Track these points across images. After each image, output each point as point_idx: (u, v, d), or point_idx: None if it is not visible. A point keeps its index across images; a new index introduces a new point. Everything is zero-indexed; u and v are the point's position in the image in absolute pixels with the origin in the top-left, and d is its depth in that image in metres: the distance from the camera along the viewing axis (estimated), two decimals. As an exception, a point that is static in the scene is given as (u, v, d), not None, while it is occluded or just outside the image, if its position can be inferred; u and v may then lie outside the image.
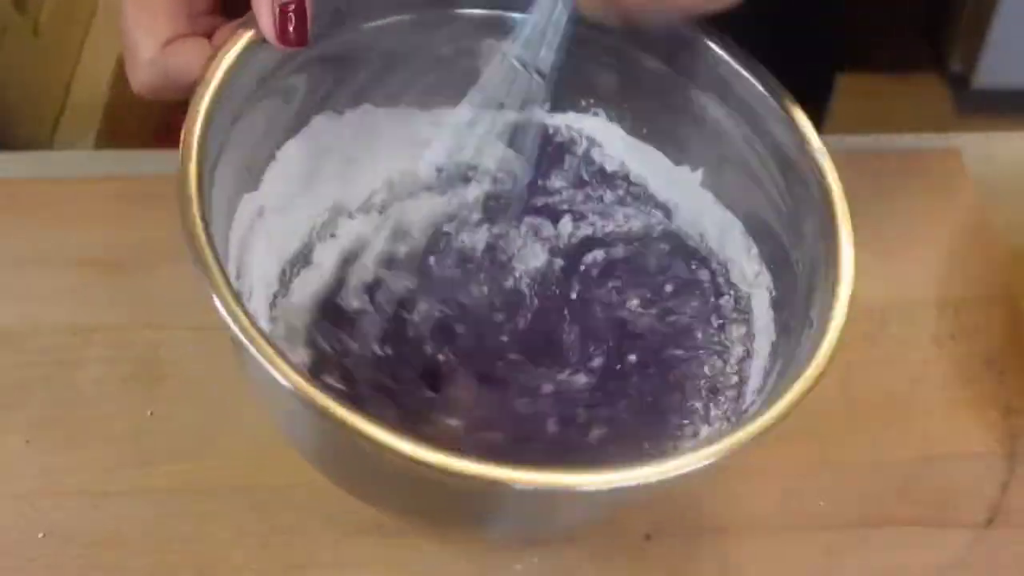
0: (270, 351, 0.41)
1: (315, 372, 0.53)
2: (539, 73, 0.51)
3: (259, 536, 0.54)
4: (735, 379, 0.54)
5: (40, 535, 0.54)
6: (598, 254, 0.58)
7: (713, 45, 0.53)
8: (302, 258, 0.55)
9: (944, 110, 1.55)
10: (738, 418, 0.51)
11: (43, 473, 0.56)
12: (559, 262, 0.58)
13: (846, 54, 0.95)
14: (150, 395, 0.58)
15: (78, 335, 0.60)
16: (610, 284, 0.57)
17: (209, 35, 0.50)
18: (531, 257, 0.58)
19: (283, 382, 0.41)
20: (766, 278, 0.54)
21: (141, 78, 0.49)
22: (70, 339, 0.60)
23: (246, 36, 0.49)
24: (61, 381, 0.59)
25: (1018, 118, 0.79)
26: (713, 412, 0.53)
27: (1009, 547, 0.56)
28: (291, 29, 0.48)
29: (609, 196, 0.59)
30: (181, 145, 0.45)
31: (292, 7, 0.48)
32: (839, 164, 0.48)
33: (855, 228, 0.48)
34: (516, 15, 0.53)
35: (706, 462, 0.42)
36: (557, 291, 0.57)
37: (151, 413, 0.58)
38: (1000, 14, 1.45)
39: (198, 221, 0.43)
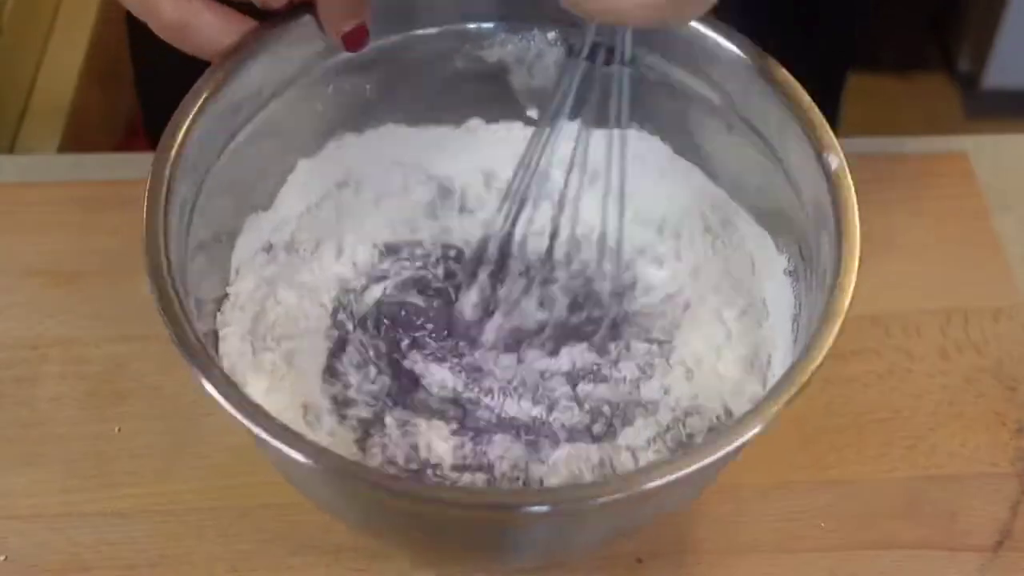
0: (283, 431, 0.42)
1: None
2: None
3: (227, 560, 0.53)
4: None
5: (1, 559, 0.53)
6: None
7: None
8: None
9: (952, 110, 1.55)
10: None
11: (1, 495, 0.55)
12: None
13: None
14: (112, 413, 0.57)
15: (36, 349, 0.59)
16: None
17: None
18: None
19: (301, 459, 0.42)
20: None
21: (167, 13, 0.48)
22: (27, 353, 0.59)
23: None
24: (18, 398, 0.58)
25: (1028, 120, 0.79)
26: None
27: (1020, 571, 0.54)
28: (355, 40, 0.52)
29: None
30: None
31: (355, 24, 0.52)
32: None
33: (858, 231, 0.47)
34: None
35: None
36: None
37: (119, 429, 0.57)
38: (1010, 12, 1.44)
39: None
